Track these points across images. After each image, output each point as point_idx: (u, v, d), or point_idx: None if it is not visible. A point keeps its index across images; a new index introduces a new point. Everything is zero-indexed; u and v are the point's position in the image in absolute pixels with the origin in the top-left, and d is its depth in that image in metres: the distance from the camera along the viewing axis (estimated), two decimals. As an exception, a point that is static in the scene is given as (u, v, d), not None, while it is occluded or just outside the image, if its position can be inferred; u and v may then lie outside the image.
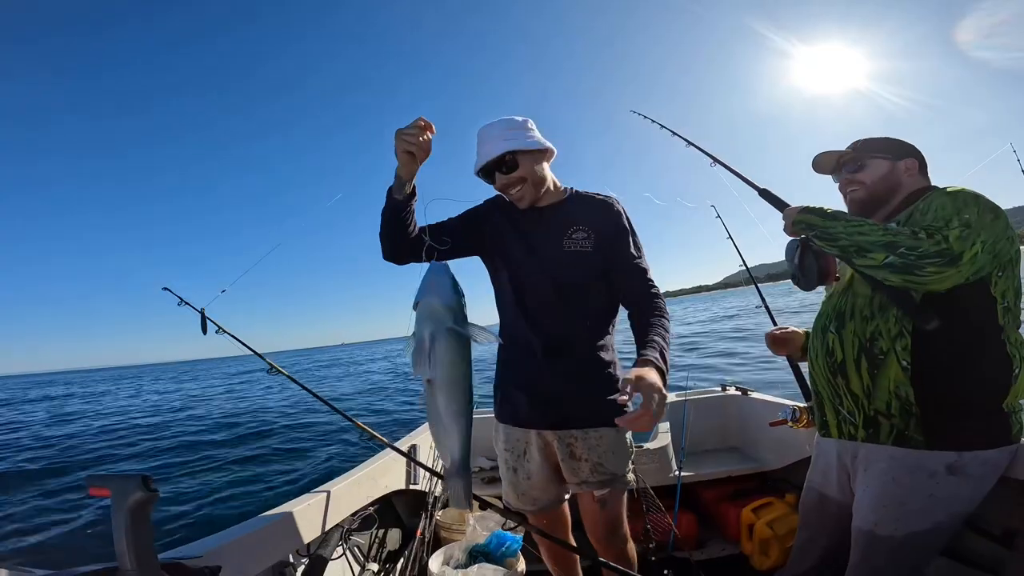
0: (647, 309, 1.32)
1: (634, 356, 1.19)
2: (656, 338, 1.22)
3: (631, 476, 1.46)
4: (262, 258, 1.89)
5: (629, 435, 1.47)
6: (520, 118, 1.40)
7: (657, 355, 1.15)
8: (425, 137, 1.17)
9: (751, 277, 2.29)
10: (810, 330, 1.50)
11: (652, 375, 1.04)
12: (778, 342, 1.63)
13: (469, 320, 1.02)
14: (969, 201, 1.14)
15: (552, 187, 1.46)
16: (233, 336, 1.85)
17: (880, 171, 1.36)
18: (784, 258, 1.46)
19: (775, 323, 1.95)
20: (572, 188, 1.52)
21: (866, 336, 1.25)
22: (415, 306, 1.01)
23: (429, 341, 0.97)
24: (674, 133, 1.83)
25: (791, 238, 1.41)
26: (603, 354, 1.43)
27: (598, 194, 1.50)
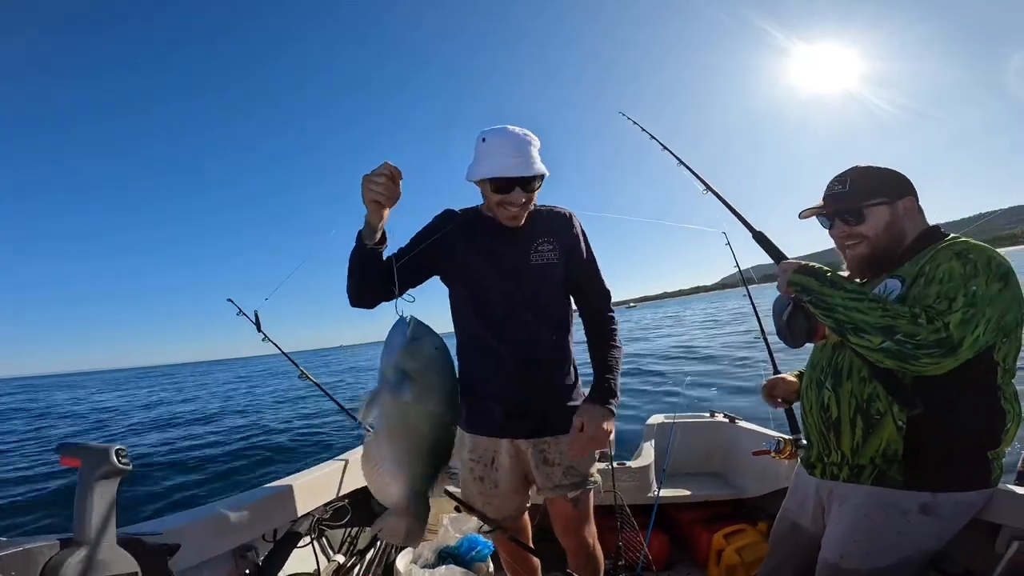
0: (605, 335, 1.49)
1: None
2: (609, 377, 1.42)
3: (598, 476, 1.54)
4: (298, 266, 1.88)
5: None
6: (535, 137, 1.37)
7: (609, 395, 1.39)
8: (392, 185, 1.15)
9: (754, 308, 2.23)
10: (803, 371, 1.49)
11: (597, 418, 1.33)
12: (772, 398, 1.62)
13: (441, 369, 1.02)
14: (980, 268, 1.07)
15: None
16: (276, 345, 2.03)
17: (882, 220, 1.25)
18: (772, 312, 1.34)
19: (775, 365, 1.94)
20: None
21: (863, 397, 1.21)
22: (381, 359, 1.01)
23: (379, 395, 0.99)
24: (664, 147, 1.71)
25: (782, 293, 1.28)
26: (566, 362, 1.52)
27: (555, 207, 1.53)
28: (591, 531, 1.56)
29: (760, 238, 1.37)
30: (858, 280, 1.34)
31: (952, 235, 1.23)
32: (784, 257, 1.28)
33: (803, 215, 1.36)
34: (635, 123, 1.82)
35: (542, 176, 1.37)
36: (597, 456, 1.55)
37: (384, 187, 1.13)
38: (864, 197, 1.25)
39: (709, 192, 1.54)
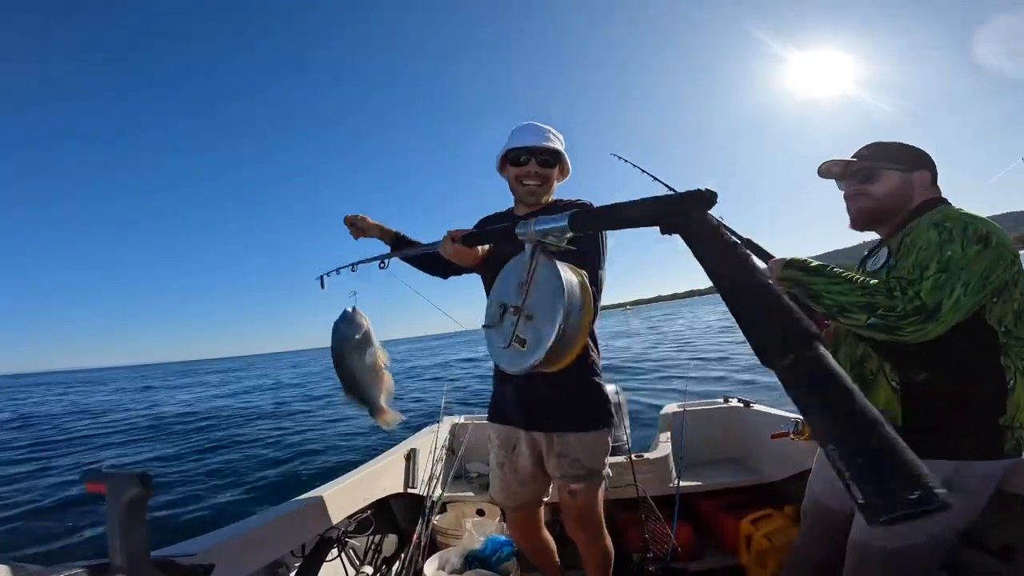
0: None
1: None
2: None
3: (608, 471, 1.56)
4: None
5: (611, 437, 1.57)
6: (557, 131, 1.55)
7: None
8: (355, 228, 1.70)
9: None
10: None
11: None
12: None
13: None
14: (955, 234, 1.09)
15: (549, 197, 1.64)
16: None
17: (891, 184, 1.29)
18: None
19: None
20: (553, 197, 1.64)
21: (856, 357, 1.26)
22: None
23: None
24: (655, 178, 1.83)
25: None
26: (585, 362, 1.52)
27: (576, 200, 1.59)
28: (595, 526, 1.59)
29: (748, 244, 1.46)
30: (858, 231, 1.40)
31: (942, 206, 1.25)
32: (771, 256, 1.35)
33: (824, 167, 1.40)
34: (624, 159, 1.98)
35: (557, 153, 1.53)
36: (608, 453, 1.56)
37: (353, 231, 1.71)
38: (882, 161, 1.31)
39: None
